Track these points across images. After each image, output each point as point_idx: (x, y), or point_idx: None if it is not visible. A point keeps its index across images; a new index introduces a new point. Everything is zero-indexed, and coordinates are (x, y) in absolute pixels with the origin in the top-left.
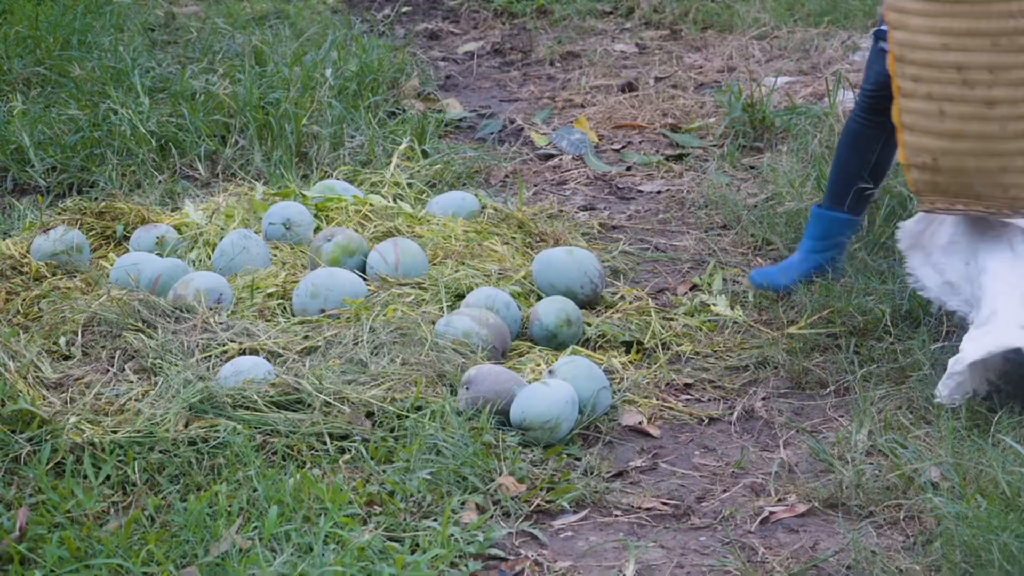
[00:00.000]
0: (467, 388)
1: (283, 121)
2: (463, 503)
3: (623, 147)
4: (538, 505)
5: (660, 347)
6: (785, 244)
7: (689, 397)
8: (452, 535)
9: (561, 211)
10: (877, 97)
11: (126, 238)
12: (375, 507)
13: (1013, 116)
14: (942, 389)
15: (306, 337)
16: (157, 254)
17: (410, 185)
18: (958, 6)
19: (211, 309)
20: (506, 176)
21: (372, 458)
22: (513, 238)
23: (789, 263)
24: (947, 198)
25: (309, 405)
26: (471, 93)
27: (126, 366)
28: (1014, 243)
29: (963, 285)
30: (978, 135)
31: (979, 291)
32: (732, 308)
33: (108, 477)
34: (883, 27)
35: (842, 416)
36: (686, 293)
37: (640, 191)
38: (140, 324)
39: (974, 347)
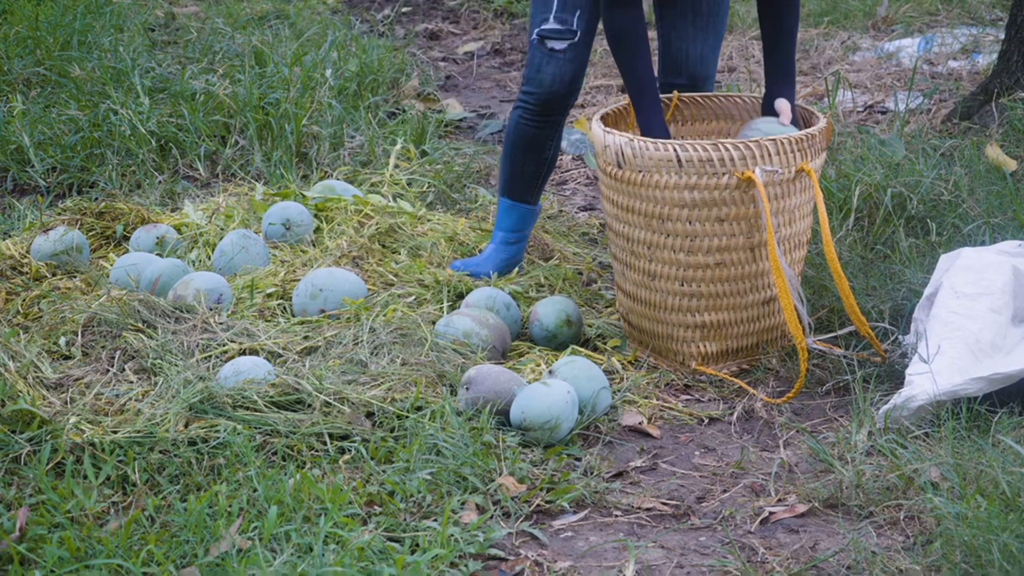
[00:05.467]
0: (467, 388)
1: (283, 121)
2: (463, 503)
3: None
4: (538, 505)
5: None
6: None
7: (689, 397)
8: (452, 535)
9: (561, 211)
10: (547, 99)
11: (126, 238)
12: (375, 507)
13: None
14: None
15: (306, 337)
16: (157, 254)
17: (410, 183)
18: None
19: (211, 309)
20: None
21: (372, 458)
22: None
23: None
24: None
25: (309, 405)
26: (471, 93)
27: (126, 366)
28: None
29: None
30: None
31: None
32: None
33: (108, 477)
34: (546, 27)
35: (842, 416)
36: None
37: None
38: (140, 324)
39: (924, 387)
